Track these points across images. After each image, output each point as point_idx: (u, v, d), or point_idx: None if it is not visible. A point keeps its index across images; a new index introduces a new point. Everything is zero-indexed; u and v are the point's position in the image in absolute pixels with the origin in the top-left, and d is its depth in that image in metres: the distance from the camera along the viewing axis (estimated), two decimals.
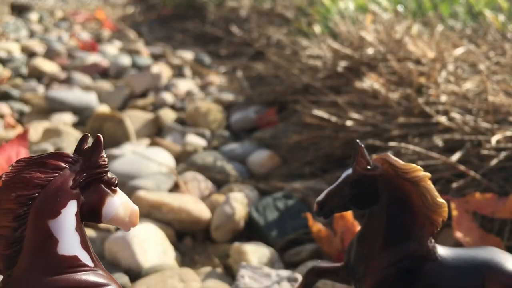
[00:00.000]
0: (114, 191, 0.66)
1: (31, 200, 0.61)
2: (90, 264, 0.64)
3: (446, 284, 0.84)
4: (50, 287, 0.61)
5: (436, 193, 0.85)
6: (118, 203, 0.65)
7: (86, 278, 0.62)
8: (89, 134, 0.67)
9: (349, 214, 1.31)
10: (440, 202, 0.85)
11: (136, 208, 0.67)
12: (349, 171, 0.88)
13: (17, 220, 0.61)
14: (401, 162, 0.86)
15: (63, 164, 0.63)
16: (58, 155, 0.64)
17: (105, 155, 0.65)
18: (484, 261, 0.84)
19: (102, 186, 0.65)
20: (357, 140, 0.87)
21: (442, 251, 0.87)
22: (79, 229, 0.64)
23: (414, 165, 0.85)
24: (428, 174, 0.85)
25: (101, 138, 0.65)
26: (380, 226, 0.87)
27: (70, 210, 0.63)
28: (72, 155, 0.64)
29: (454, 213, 1.27)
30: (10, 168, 0.62)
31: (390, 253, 0.86)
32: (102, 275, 0.64)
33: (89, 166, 0.64)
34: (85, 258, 0.63)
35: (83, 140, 0.66)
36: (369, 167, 0.86)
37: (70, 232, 0.62)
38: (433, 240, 0.87)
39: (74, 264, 0.62)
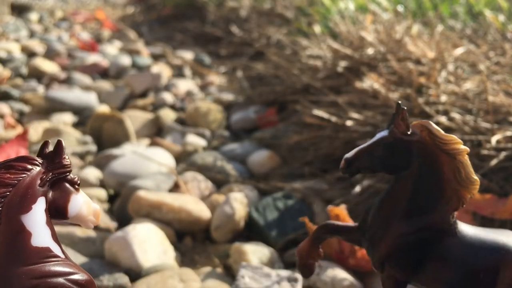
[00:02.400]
0: (77, 190, 0.72)
1: (3, 198, 0.66)
2: (61, 255, 0.69)
3: (461, 261, 0.83)
4: (26, 277, 0.65)
5: (471, 169, 0.83)
6: (82, 201, 0.71)
7: (59, 268, 0.67)
8: (49, 140, 0.73)
9: (344, 215, 1.31)
10: (474, 179, 0.83)
11: (97, 207, 0.73)
12: (385, 132, 0.85)
13: None
14: (442, 131, 0.83)
15: (29, 166, 0.69)
16: (24, 158, 0.69)
17: (67, 157, 0.72)
18: (503, 244, 0.83)
19: (67, 184, 0.71)
20: (399, 102, 0.84)
21: (464, 227, 0.86)
22: (49, 224, 0.69)
23: (454, 137, 0.83)
24: (467, 149, 0.83)
25: (62, 141, 0.72)
26: (406, 193, 0.85)
27: (40, 206, 0.68)
28: (37, 158, 0.70)
29: None
30: None
31: (409, 222, 0.85)
32: (72, 265, 0.69)
33: (54, 167, 0.70)
34: (56, 249, 0.68)
35: (44, 145, 0.72)
36: (408, 132, 0.84)
37: (41, 226, 0.68)
38: (455, 215, 0.86)
39: (47, 255, 0.67)
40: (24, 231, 0.66)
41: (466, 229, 0.86)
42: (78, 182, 0.72)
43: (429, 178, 0.84)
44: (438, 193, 0.84)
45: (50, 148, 0.72)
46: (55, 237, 0.69)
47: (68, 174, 0.71)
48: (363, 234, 0.90)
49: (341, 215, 1.31)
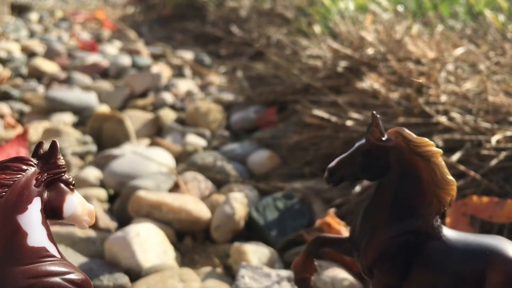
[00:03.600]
0: (72, 190, 0.72)
1: None
2: (57, 255, 0.69)
3: (446, 264, 0.84)
4: (22, 277, 0.65)
5: (446, 170, 0.85)
6: (76, 201, 0.71)
7: (55, 267, 0.68)
8: (44, 141, 0.73)
9: (334, 222, 1.31)
10: (449, 179, 0.85)
11: (92, 207, 0.73)
12: (363, 140, 0.88)
13: None
14: (414, 136, 0.86)
15: (24, 167, 0.69)
16: (19, 159, 0.70)
17: (61, 157, 0.72)
18: (488, 247, 0.84)
19: (62, 185, 0.71)
20: (374, 112, 0.88)
21: (448, 232, 0.87)
22: (45, 224, 0.69)
23: (427, 139, 0.85)
24: (440, 151, 0.85)
25: (57, 142, 0.72)
26: (387, 199, 0.87)
27: (36, 206, 0.68)
28: (32, 159, 0.70)
29: (448, 219, 1.26)
30: None
31: (394, 226, 0.86)
32: (68, 265, 0.69)
33: (49, 167, 0.70)
34: (52, 249, 0.69)
35: (39, 146, 0.72)
36: (383, 138, 0.87)
37: (37, 226, 0.68)
38: (439, 220, 0.87)
39: (43, 254, 0.68)
40: (20, 231, 0.66)
41: (452, 233, 0.88)
42: (73, 182, 0.72)
43: (409, 182, 0.87)
44: (419, 197, 0.86)
45: (45, 148, 0.72)
46: (51, 236, 0.69)
47: (63, 174, 0.71)
48: (352, 245, 0.92)
49: (332, 222, 1.31)
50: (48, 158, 0.71)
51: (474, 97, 1.70)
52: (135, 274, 1.26)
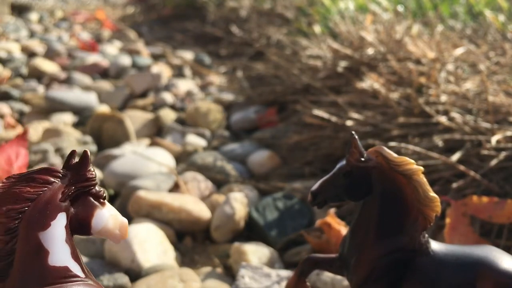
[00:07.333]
0: (102, 204, 0.68)
1: (21, 213, 0.63)
2: (81, 274, 0.65)
3: (437, 279, 0.84)
4: None
5: (428, 187, 0.85)
6: (107, 215, 0.67)
7: None
8: (76, 150, 0.69)
9: (334, 222, 1.31)
10: (432, 196, 0.85)
11: (125, 220, 0.69)
12: (343, 162, 0.88)
13: (8, 234, 0.63)
14: (394, 155, 0.86)
15: (52, 179, 0.65)
16: (47, 170, 0.66)
17: (92, 169, 0.68)
18: (477, 259, 0.84)
19: (91, 198, 0.67)
20: (352, 132, 0.87)
21: (436, 246, 0.87)
22: (69, 241, 0.65)
23: (406, 158, 0.85)
24: (421, 168, 0.85)
25: (88, 153, 0.68)
26: (373, 217, 0.87)
27: (60, 222, 0.64)
28: (61, 170, 0.66)
29: (448, 219, 1.26)
30: (0, 184, 0.64)
31: (381, 245, 0.86)
32: (92, 285, 0.65)
33: (77, 180, 0.66)
34: (75, 268, 0.65)
35: (71, 155, 0.68)
36: (362, 158, 0.87)
37: (60, 243, 0.64)
38: (426, 235, 0.87)
39: (65, 274, 0.64)
40: (42, 250, 0.63)
41: (440, 247, 0.87)
42: (104, 195, 0.68)
43: (393, 201, 0.86)
44: (404, 214, 0.86)
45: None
46: (75, 255, 0.65)
47: (92, 187, 0.67)
48: (342, 264, 0.92)
49: (332, 222, 1.31)
50: (78, 169, 0.66)
51: (474, 97, 1.70)
52: (135, 274, 1.26)
